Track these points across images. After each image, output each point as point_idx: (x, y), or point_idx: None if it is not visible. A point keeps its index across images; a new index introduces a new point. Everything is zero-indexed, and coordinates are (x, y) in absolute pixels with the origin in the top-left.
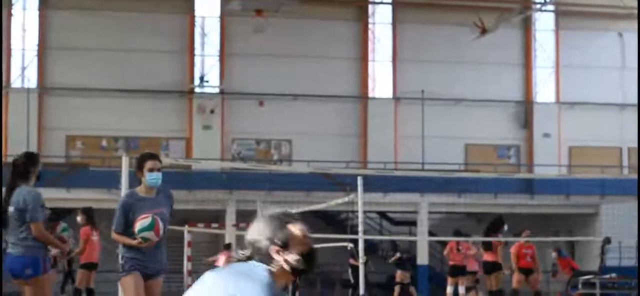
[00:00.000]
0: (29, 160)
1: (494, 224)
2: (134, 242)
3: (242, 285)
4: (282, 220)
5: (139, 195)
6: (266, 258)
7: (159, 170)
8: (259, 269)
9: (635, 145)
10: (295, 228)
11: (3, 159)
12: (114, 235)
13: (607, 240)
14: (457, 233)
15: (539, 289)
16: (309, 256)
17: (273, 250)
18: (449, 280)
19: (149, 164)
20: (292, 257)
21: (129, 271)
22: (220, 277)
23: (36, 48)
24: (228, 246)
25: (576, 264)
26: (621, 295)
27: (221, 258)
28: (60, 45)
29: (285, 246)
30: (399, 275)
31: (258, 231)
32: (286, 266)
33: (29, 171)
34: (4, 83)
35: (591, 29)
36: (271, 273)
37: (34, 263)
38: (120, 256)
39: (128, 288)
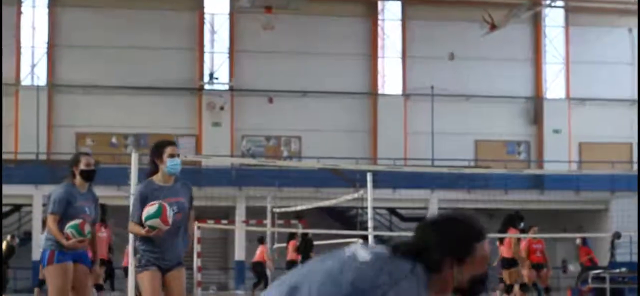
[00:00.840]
0: (71, 159)
1: (511, 218)
2: (143, 231)
3: (398, 279)
4: (470, 233)
5: (156, 184)
6: (433, 263)
7: (178, 155)
8: (418, 269)
9: None
10: (481, 249)
11: (14, 156)
12: (130, 226)
13: (617, 235)
14: None
15: (549, 284)
16: (480, 280)
17: (448, 259)
18: None
19: (169, 150)
20: (466, 276)
21: (145, 267)
22: (367, 265)
23: (46, 45)
24: (261, 240)
25: (596, 258)
26: (631, 290)
27: (260, 252)
28: (69, 42)
29: (461, 261)
30: None
31: (436, 233)
32: (452, 282)
33: (71, 170)
34: (13, 81)
35: (601, 25)
36: (431, 279)
37: (43, 255)
38: (136, 251)
39: (144, 284)
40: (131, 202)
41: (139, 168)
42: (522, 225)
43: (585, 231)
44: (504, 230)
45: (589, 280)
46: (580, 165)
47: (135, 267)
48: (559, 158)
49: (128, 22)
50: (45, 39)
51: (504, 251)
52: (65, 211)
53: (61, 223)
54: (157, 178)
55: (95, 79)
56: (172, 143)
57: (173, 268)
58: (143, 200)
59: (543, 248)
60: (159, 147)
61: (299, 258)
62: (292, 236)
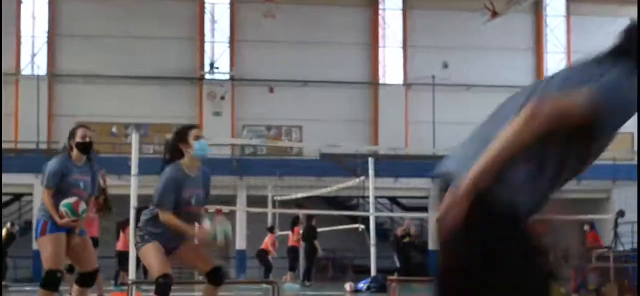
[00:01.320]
0: (70, 132)
1: None
2: (181, 225)
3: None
4: None
5: (185, 171)
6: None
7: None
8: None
9: None
10: None
11: (15, 146)
12: (167, 217)
13: (621, 213)
14: None
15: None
16: None
17: None
18: None
19: (194, 132)
20: None
21: (148, 241)
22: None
23: (46, 35)
24: (271, 229)
25: (603, 243)
26: (635, 269)
27: (267, 241)
28: (70, 32)
29: None
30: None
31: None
32: None
33: (69, 143)
34: (14, 71)
35: (602, 15)
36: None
37: (37, 226)
38: (141, 229)
39: (150, 256)
40: (160, 186)
41: (138, 155)
42: None
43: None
44: None
45: (593, 260)
46: None
47: (137, 244)
48: None
49: (128, 12)
50: (46, 28)
51: None
52: (59, 184)
53: (56, 197)
54: (184, 164)
55: (95, 69)
56: (195, 126)
57: (179, 246)
58: (178, 186)
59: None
60: (182, 132)
61: (300, 245)
62: (295, 222)
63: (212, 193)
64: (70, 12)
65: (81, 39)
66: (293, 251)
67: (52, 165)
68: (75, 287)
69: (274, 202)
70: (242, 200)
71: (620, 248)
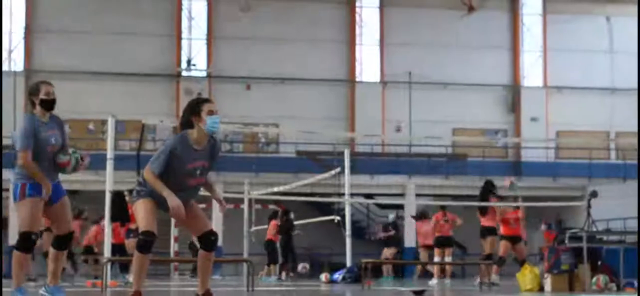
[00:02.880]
0: (31, 88)
1: (485, 188)
2: (164, 191)
3: None
4: None
5: (190, 143)
6: None
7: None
8: None
9: (623, 129)
10: None
11: None
12: (152, 178)
13: (594, 193)
14: (442, 207)
15: (526, 258)
16: None
17: None
18: (436, 250)
19: (207, 106)
20: None
21: (142, 197)
22: None
23: (23, 31)
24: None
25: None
26: (608, 250)
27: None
28: (47, 28)
29: None
30: (386, 251)
31: None
32: None
33: (31, 100)
34: None
35: (578, 13)
36: None
37: (15, 191)
38: (137, 186)
39: (139, 210)
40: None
41: (115, 153)
42: (496, 190)
43: (562, 218)
44: (485, 199)
45: (566, 240)
46: (557, 153)
47: (132, 199)
48: (536, 146)
49: (105, 8)
50: (23, 24)
51: (483, 221)
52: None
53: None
54: (192, 136)
55: (72, 65)
56: (209, 100)
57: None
58: (173, 155)
59: (518, 217)
60: (197, 104)
61: (278, 239)
62: (274, 215)
63: None
64: (47, 7)
65: (58, 34)
66: (270, 245)
67: (22, 127)
68: (51, 251)
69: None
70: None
71: (593, 229)
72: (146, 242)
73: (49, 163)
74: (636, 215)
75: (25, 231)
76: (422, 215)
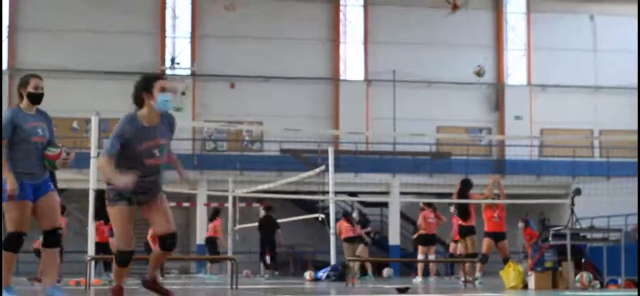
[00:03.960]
0: (20, 81)
1: (464, 187)
2: (114, 178)
3: None
4: None
5: (140, 123)
6: None
7: (171, 91)
8: None
9: (607, 127)
10: None
11: None
12: (103, 162)
13: (578, 191)
14: (429, 204)
15: (508, 255)
16: None
17: None
18: (421, 248)
19: (159, 84)
20: None
21: (115, 201)
22: None
23: (7, 29)
24: (217, 213)
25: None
26: (592, 249)
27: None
28: (31, 26)
29: None
30: (361, 249)
31: None
32: None
33: (19, 92)
34: None
35: (562, 11)
36: None
37: (3, 188)
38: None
39: (114, 222)
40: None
41: (98, 151)
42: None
43: (546, 216)
44: (464, 196)
45: (550, 238)
46: (541, 151)
47: (107, 202)
48: (520, 144)
49: (90, 6)
50: (6, 22)
51: (471, 219)
52: (15, 136)
53: (12, 150)
54: (142, 116)
55: (56, 63)
56: (163, 76)
57: (151, 201)
58: (126, 139)
59: (501, 212)
60: (148, 80)
61: (219, 235)
62: (215, 214)
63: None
64: (31, 5)
65: (42, 33)
66: (211, 242)
67: (3, 117)
68: (44, 252)
69: (234, 197)
70: (202, 194)
71: (577, 227)
72: (124, 259)
73: (35, 156)
74: (619, 212)
75: (13, 231)
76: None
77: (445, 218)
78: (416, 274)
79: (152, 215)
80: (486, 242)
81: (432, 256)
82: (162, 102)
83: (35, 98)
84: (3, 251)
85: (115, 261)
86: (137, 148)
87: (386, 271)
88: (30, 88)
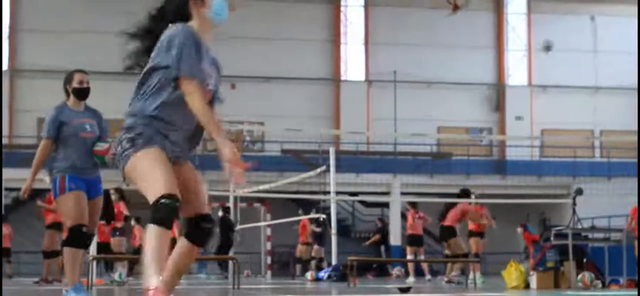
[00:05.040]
0: (65, 77)
1: (460, 195)
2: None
3: None
4: None
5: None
6: None
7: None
8: None
9: (607, 127)
10: None
11: None
12: (193, 88)
13: (579, 191)
14: (413, 204)
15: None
16: None
17: None
18: (408, 249)
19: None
20: None
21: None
22: None
23: (7, 30)
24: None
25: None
26: (594, 249)
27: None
28: (31, 27)
29: None
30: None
31: None
32: None
33: (65, 89)
34: None
35: (563, 12)
36: None
37: (54, 183)
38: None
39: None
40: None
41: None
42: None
43: (547, 217)
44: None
45: (552, 238)
46: (542, 151)
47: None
48: (521, 144)
49: (90, 7)
50: (7, 23)
51: (446, 221)
52: (59, 133)
53: (60, 146)
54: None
55: (57, 64)
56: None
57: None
58: (197, 50)
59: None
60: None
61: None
62: (137, 220)
63: None
64: (31, 6)
65: (42, 34)
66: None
67: (49, 114)
68: (67, 250)
69: (235, 198)
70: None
71: (579, 227)
72: (172, 211)
73: (85, 151)
74: (620, 212)
75: (73, 225)
76: None
77: (431, 218)
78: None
79: (189, 183)
80: (474, 241)
81: (421, 256)
82: (218, 6)
83: (80, 93)
84: (65, 248)
85: (155, 230)
86: (200, 63)
87: (396, 271)
88: (74, 84)
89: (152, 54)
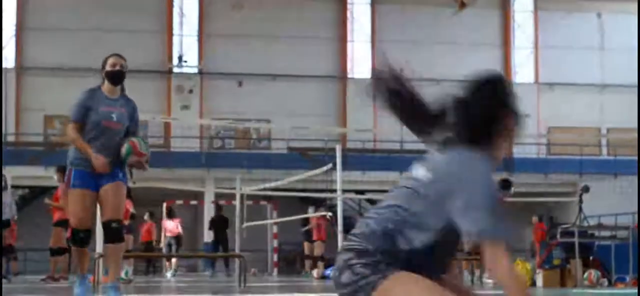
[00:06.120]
0: (102, 64)
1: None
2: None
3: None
4: None
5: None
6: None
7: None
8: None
9: (614, 125)
10: None
11: None
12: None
13: (586, 188)
14: None
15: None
16: None
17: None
18: None
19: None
20: None
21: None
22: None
23: (14, 28)
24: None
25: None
26: (600, 247)
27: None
28: (38, 24)
29: None
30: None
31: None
32: None
33: (101, 75)
34: None
35: (569, 10)
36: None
37: (67, 177)
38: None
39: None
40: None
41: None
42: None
43: (553, 214)
44: None
45: (558, 235)
46: (549, 149)
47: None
48: (527, 142)
49: (97, 4)
50: (14, 21)
51: None
52: (85, 117)
53: (84, 132)
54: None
55: (63, 62)
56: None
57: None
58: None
59: None
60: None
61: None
62: (151, 215)
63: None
64: (38, 4)
65: (49, 31)
66: (148, 245)
67: (78, 97)
68: (104, 247)
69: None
70: (209, 192)
71: (585, 225)
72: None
73: (104, 141)
74: (627, 210)
75: (73, 228)
76: None
77: None
78: None
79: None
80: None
81: None
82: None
83: (112, 76)
84: (72, 245)
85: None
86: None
87: None
88: (107, 67)
89: None
